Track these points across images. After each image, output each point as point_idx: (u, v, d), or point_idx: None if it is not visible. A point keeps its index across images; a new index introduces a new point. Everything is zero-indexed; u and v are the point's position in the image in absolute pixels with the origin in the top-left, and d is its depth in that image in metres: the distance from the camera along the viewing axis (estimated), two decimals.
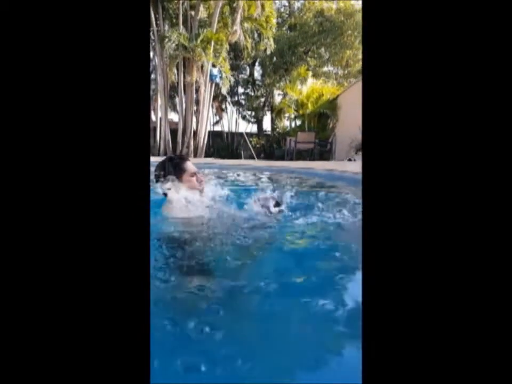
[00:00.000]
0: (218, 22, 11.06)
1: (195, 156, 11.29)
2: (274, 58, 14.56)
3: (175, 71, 11.35)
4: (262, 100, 16.30)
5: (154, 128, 11.78)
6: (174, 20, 11.19)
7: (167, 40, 10.05)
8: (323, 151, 10.26)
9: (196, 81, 11.04)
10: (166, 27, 10.98)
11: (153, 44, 10.93)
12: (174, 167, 1.54)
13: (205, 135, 11.84)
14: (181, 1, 10.53)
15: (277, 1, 15.60)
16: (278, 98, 15.45)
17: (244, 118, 17.38)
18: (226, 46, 10.95)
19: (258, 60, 15.59)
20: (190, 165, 1.58)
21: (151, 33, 10.68)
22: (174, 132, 11.61)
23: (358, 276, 0.88)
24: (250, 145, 11.87)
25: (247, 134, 14.31)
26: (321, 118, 12.00)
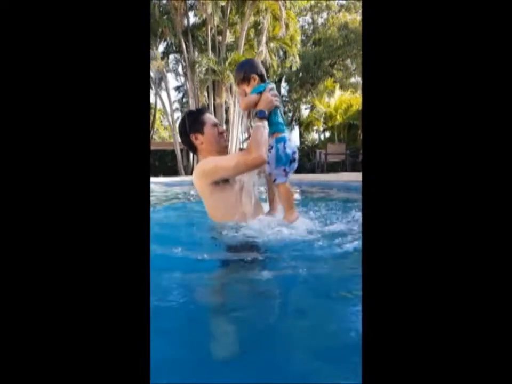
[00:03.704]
0: (245, 44, 11.49)
1: None
2: (300, 74, 14.77)
3: (206, 93, 11.87)
4: (290, 114, 16.48)
5: (188, 150, 12.25)
6: (203, 46, 11.80)
7: (197, 65, 10.61)
8: (356, 162, 10.09)
9: (225, 102, 11.45)
10: (196, 53, 11.60)
11: (185, 69, 11.56)
12: (194, 121, 1.49)
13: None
14: (209, 28, 11.12)
15: (300, 19, 15.94)
16: (305, 112, 15.54)
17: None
18: None
19: (284, 77, 15.88)
20: (209, 116, 1.52)
21: (182, 60, 11.33)
22: None
23: None
24: None
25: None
26: (351, 128, 11.86)
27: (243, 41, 11.16)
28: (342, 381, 0.52)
